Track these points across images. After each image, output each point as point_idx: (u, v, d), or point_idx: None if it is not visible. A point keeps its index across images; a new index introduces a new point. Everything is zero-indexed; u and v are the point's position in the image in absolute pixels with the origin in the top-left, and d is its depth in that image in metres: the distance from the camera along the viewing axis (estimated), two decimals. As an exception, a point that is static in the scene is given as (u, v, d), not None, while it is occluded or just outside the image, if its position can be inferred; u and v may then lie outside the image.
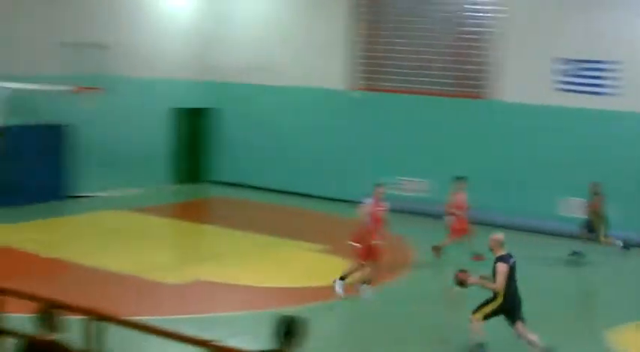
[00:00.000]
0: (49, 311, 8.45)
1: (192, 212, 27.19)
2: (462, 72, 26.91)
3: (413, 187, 27.37)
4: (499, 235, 14.21)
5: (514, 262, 14.01)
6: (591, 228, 22.11)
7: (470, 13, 26.71)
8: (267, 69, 30.08)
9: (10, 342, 9.38)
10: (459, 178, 22.00)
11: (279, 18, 30.08)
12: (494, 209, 25.76)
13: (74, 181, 26.38)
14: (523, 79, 25.74)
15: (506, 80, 26.03)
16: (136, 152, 28.57)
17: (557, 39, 25.41)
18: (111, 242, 21.59)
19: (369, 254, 17.70)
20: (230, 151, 30.93)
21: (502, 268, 13.82)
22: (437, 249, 21.56)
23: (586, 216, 22.27)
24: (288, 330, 7.62)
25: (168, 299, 16.95)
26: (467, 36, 26.78)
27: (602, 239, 22.03)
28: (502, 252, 14.06)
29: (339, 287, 17.53)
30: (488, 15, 26.41)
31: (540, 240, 24.25)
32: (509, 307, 13.98)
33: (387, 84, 28.22)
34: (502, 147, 26.20)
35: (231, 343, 7.48)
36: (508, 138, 26.13)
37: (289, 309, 16.35)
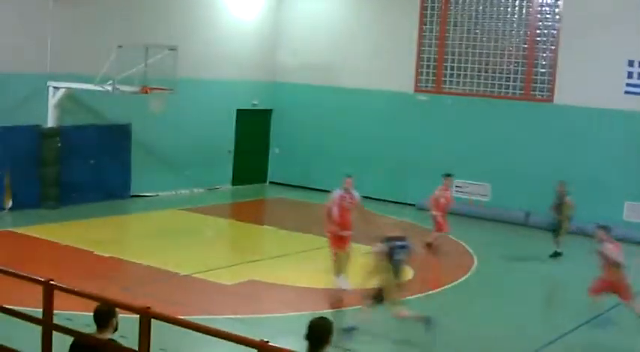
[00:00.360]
0: (105, 310, 8.50)
1: (251, 213, 27.26)
2: (528, 75, 26.69)
3: (475, 190, 27.23)
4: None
5: (399, 245, 14.58)
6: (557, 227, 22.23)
7: (538, 16, 26.50)
8: (332, 70, 30.10)
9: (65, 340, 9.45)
10: (447, 175, 22.18)
11: (346, 20, 30.06)
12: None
13: (137, 180, 26.63)
14: (590, 82, 25.45)
15: (574, 83, 25.76)
16: (198, 152, 28.72)
17: (627, 41, 25.09)
18: (169, 241, 21.68)
19: (337, 244, 17.74)
20: (291, 152, 30.98)
21: (379, 249, 14.61)
22: (429, 246, 21.53)
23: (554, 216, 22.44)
24: (317, 332, 7.58)
25: (222, 298, 16.98)
26: (535, 38, 26.57)
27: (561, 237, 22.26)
28: (394, 234, 14.78)
29: (343, 284, 17.44)
30: (557, 17, 26.18)
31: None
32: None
33: (453, 87, 28.10)
34: (567, 150, 25.91)
35: (280, 343, 7.46)
36: (573, 142, 25.84)
37: (340, 311, 16.50)
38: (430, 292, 18.36)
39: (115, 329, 8.67)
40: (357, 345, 14.34)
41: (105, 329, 8.44)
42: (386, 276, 14.53)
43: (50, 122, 24.37)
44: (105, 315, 8.49)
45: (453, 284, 19.21)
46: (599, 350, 15.61)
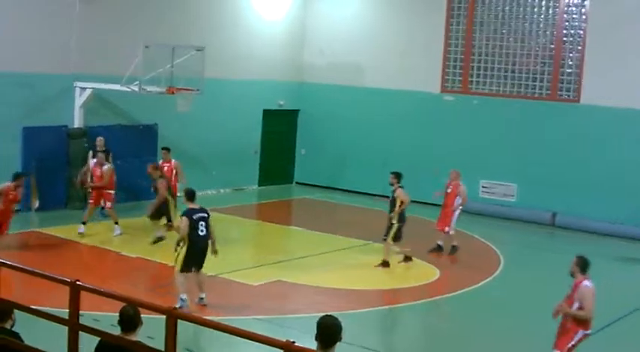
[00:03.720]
0: (132, 315, 8.52)
1: (277, 213, 27.26)
2: (555, 75, 26.59)
3: (501, 191, 27.14)
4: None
5: (201, 216, 15.57)
6: None
7: (565, 16, 26.38)
8: (358, 71, 30.10)
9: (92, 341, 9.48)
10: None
11: (372, 20, 30.05)
12: (583, 214, 25.47)
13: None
14: (617, 82, 25.32)
15: (600, 83, 25.64)
16: (225, 153, 28.78)
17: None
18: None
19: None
20: (317, 153, 30.99)
21: (184, 221, 15.47)
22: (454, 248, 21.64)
23: None
24: (328, 331, 7.58)
25: (248, 299, 16.98)
26: (561, 38, 26.46)
27: None
28: (193, 206, 15.75)
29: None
30: (583, 17, 26.06)
31: (629, 245, 23.90)
32: (195, 252, 15.55)
33: (479, 87, 28.04)
34: (594, 151, 25.79)
35: (306, 344, 7.44)
36: (600, 142, 25.72)
37: (363, 311, 16.51)
38: (455, 293, 18.31)
39: (140, 331, 8.73)
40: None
41: (131, 333, 8.47)
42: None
43: (77, 122, 24.50)
44: (132, 320, 8.52)
45: (476, 285, 19.15)
46: None
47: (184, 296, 15.37)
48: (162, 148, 22.91)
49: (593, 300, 11.97)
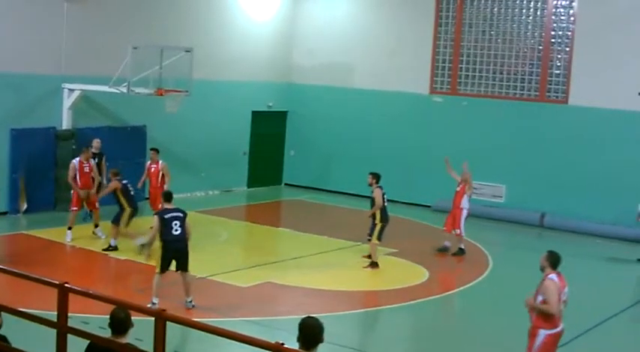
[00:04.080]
0: (122, 318, 8.51)
1: (266, 215, 27.23)
2: (543, 76, 26.65)
3: (489, 192, 27.19)
4: None
5: (174, 215, 15.81)
6: None
7: (553, 17, 26.44)
8: (348, 72, 30.11)
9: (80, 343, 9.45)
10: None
11: (361, 21, 30.06)
12: (572, 215, 25.55)
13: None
14: (605, 83, 25.40)
15: (588, 84, 25.71)
16: (214, 154, 28.76)
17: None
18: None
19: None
20: (306, 154, 30.99)
21: (155, 220, 15.73)
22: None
23: None
24: (310, 332, 7.57)
25: (238, 300, 16.97)
26: (550, 40, 26.52)
27: None
28: (168, 206, 16.08)
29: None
30: (572, 19, 26.12)
31: (618, 246, 23.96)
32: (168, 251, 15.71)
33: (468, 88, 28.08)
34: (582, 152, 25.85)
35: (296, 346, 7.45)
36: (588, 143, 25.79)
37: (354, 313, 16.51)
38: (444, 294, 18.33)
39: (130, 333, 8.71)
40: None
41: (122, 336, 8.46)
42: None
43: (65, 124, 24.45)
44: (122, 323, 8.50)
45: (466, 286, 19.17)
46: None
47: (155, 300, 15.31)
48: (151, 149, 22.86)
49: (557, 295, 11.58)
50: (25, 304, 10.79)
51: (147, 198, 23.27)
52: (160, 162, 22.29)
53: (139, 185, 22.63)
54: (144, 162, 26.34)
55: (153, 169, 22.18)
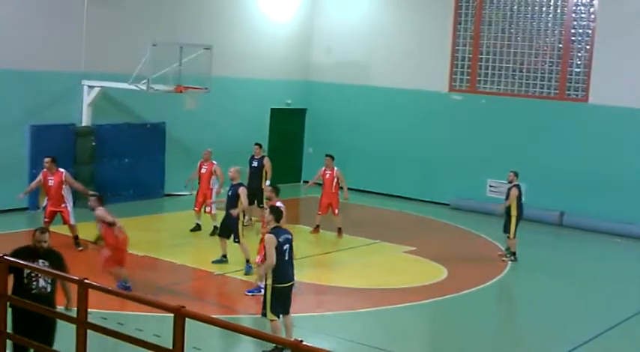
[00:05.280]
0: None
1: (284, 212, 27.14)
2: (563, 74, 26.54)
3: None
4: None
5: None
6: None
7: (573, 15, 26.32)
8: (366, 70, 30.08)
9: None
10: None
11: (380, 19, 29.99)
12: (591, 214, 25.45)
13: (171, 179, 26.69)
14: (625, 81, 25.27)
15: (608, 83, 25.58)
16: (232, 151, 28.72)
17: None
18: (203, 240, 21.75)
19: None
20: (325, 152, 30.90)
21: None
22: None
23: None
24: None
25: (256, 298, 16.96)
26: (570, 38, 26.41)
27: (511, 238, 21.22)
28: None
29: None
30: (592, 16, 26.00)
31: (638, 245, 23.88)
32: None
33: (487, 86, 27.99)
34: (602, 150, 25.73)
35: (313, 343, 7.45)
36: (608, 142, 25.66)
37: (372, 310, 16.50)
38: (463, 292, 18.30)
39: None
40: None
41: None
42: None
43: (84, 121, 24.52)
44: None
45: (485, 284, 19.13)
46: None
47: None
48: (206, 152, 22.88)
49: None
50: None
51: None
52: (214, 163, 22.52)
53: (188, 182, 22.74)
54: (163, 160, 26.48)
55: (204, 170, 22.44)
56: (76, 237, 19.60)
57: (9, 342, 10.14)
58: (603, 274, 20.96)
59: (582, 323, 16.59)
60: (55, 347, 10.00)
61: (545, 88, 26.96)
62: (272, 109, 30.37)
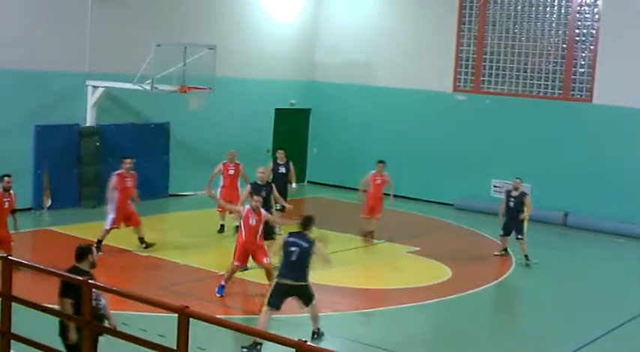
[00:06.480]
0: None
1: (289, 212, 27.18)
2: (567, 74, 26.53)
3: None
4: None
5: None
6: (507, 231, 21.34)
7: (577, 15, 26.32)
8: (370, 70, 30.08)
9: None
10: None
11: (384, 19, 30.02)
12: (595, 214, 25.42)
13: (175, 180, 26.72)
14: (629, 81, 25.28)
15: (613, 83, 25.58)
16: (237, 151, 28.73)
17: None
18: (207, 240, 21.75)
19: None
20: (329, 152, 30.98)
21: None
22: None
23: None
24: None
25: (262, 298, 16.99)
26: (574, 38, 26.40)
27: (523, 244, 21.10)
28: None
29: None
30: (596, 17, 25.99)
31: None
32: None
33: (492, 86, 27.99)
34: (606, 150, 25.72)
35: (315, 342, 7.46)
36: (612, 142, 25.65)
37: (377, 310, 16.51)
38: (468, 292, 18.29)
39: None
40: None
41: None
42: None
43: (89, 121, 24.54)
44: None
45: (489, 284, 19.12)
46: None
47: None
48: (230, 153, 23.03)
49: None
50: (49, 300, 10.81)
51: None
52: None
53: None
54: (167, 160, 26.50)
55: (232, 171, 22.62)
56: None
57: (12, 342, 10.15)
58: (607, 274, 20.94)
59: (586, 324, 16.57)
60: (58, 347, 9.99)
61: (549, 88, 26.95)
62: (276, 109, 30.39)
